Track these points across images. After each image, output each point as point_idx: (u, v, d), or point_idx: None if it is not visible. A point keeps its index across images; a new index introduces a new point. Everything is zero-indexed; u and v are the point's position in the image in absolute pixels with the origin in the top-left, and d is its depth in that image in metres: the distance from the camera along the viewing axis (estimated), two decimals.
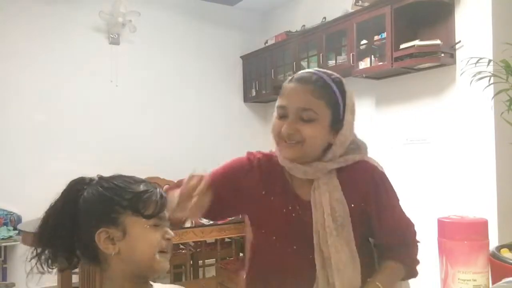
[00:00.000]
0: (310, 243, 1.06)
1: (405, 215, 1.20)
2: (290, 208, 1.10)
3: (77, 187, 0.93)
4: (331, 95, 1.05)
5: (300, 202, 1.10)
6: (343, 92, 1.07)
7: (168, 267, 0.90)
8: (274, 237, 1.11)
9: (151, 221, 0.86)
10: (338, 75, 1.11)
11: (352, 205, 1.07)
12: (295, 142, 1.04)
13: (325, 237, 1.04)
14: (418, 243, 1.19)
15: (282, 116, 1.06)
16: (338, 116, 1.06)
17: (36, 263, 0.95)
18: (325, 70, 1.12)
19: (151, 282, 0.93)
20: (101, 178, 0.92)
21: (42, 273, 0.95)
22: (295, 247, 1.09)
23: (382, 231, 1.13)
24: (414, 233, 1.19)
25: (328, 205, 1.05)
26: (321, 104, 1.04)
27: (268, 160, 1.16)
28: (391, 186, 1.17)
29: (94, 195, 0.88)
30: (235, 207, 1.20)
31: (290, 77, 1.11)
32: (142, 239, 0.85)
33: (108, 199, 0.86)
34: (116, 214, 0.85)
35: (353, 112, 1.10)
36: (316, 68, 1.13)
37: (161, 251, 0.87)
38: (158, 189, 0.91)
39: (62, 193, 0.95)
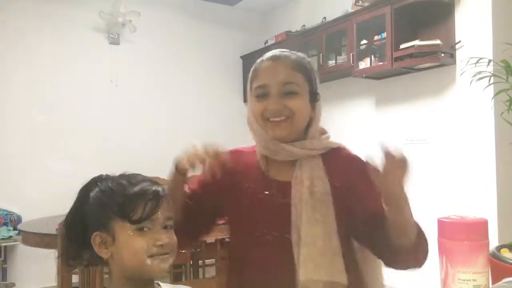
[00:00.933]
0: (289, 225, 1.01)
1: None
2: (266, 192, 1.05)
3: (88, 186, 0.93)
4: (306, 69, 1.07)
5: (278, 185, 1.05)
6: (312, 67, 1.10)
7: (166, 269, 0.85)
8: (253, 228, 1.05)
9: (135, 226, 0.82)
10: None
11: (337, 184, 1.02)
12: (284, 118, 1.02)
13: (301, 213, 0.99)
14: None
15: (262, 96, 1.04)
16: (313, 88, 1.08)
17: (62, 258, 0.93)
18: (299, 54, 1.14)
19: (159, 282, 0.91)
20: (106, 178, 0.92)
21: (72, 266, 0.94)
22: (274, 232, 1.02)
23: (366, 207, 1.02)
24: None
25: (308, 180, 1.01)
26: (300, 76, 1.05)
27: (239, 154, 1.14)
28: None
29: (94, 198, 0.89)
30: (221, 206, 1.14)
31: (259, 59, 1.10)
32: (127, 246, 0.82)
33: (102, 203, 0.86)
34: (107, 219, 0.84)
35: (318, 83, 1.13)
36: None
37: (154, 255, 0.82)
38: (155, 189, 0.87)
39: (78, 191, 0.96)
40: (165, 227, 0.86)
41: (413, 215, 0.96)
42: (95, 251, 0.85)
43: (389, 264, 1.05)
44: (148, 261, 0.82)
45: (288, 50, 1.11)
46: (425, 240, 1.01)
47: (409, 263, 1.01)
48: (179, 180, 1.09)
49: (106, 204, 0.85)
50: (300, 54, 1.11)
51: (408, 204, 0.93)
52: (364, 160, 1.01)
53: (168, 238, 0.85)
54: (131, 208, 0.82)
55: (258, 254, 1.03)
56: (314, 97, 1.07)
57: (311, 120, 1.07)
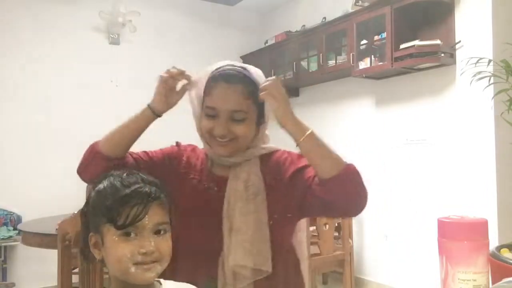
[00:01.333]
0: (222, 215, 1.08)
1: None
2: (205, 185, 1.14)
3: (95, 183, 0.90)
4: (255, 91, 1.07)
5: (218, 179, 1.13)
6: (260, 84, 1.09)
7: (151, 278, 0.81)
8: (189, 214, 1.08)
9: (120, 232, 0.79)
10: (250, 67, 1.16)
11: (271, 181, 1.10)
12: (229, 140, 1.09)
13: (235, 204, 1.06)
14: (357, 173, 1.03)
15: (211, 116, 1.10)
16: (263, 111, 1.13)
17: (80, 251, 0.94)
18: (243, 65, 1.17)
19: (162, 280, 0.89)
20: (110, 176, 0.87)
21: (88, 261, 0.94)
22: (208, 219, 1.08)
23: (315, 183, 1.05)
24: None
25: (244, 176, 1.10)
26: (249, 103, 1.08)
27: (193, 148, 1.29)
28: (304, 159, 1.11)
29: (91, 197, 0.87)
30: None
31: (213, 73, 1.15)
32: (111, 252, 0.80)
33: (94, 204, 0.85)
34: (98, 220, 0.82)
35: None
36: (233, 63, 1.18)
37: (138, 263, 0.79)
38: (145, 191, 0.82)
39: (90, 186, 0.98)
40: (157, 232, 0.82)
41: (325, 146, 1.03)
42: (91, 251, 0.85)
43: (337, 211, 1.12)
44: (132, 269, 0.78)
45: (243, 68, 1.13)
46: (353, 172, 1.02)
47: (347, 199, 1.01)
48: (150, 118, 1.26)
49: (97, 205, 0.83)
50: (255, 73, 1.13)
51: (300, 123, 1.02)
52: (294, 153, 1.13)
53: (155, 246, 0.79)
54: (117, 212, 0.79)
55: (190, 237, 1.08)
56: (261, 120, 1.14)
57: (255, 138, 1.14)
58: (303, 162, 1.09)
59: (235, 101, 1.07)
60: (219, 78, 1.11)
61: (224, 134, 1.08)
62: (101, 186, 0.86)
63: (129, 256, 0.78)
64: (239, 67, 1.14)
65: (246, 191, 1.07)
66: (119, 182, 0.84)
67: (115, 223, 0.79)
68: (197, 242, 1.09)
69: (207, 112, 1.12)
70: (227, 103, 1.07)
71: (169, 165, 1.21)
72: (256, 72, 1.14)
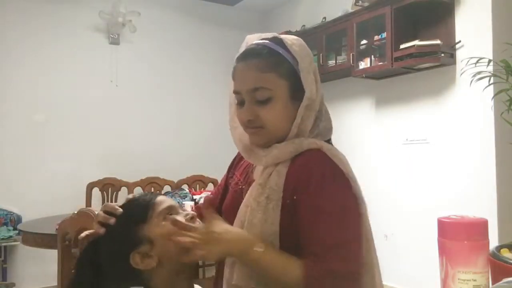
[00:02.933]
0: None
1: (339, 232, 0.85)
2: (240, 187, 1.02)
3: (85, 253, 0.99)
4: (281, 63, 0.92)
5: (251, 182, 0.99)
6: (296, 53, 0.92)
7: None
8: (225, 221, 0.98)
9: (162, 216, 0.91)
10: (287, 36, 0.95)
11: (286, 195, 0.90)
12: (257, 127, 0.93)
13: (246, 211, 0.92)
14: (345, 273, 0.82)
15: (240, 103, 0.95)
16: (297, 83, 0.92)
17: None
18: (274, 34, 0.96)
19: (196, 286, 0.97)
20: (88, 244, 0.98)
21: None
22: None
23: (302, 236, 0.87)
24: (342, 258, 0.83)
25: (263, 177, 0.93)
26: (272, 76, 0.91)
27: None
28: (334, 189, 0.87)
29: (104, 245, 0.96)
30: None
31: (238, 54, 0.98)
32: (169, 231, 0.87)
33: (117, 234, 0.93)
34: (133, 234, 0.90)
35: (312, 70, 0.94)
36: (265, 34, 0.98)
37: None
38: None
39: (77, 263, 1.01)
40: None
41: (281, 264, 0.84)
42: (141, 268, 0.87)
43: None
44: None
45: (267, 38, 0.96)
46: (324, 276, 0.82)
47: None
48: None
49: (124, 231, 0.89)
50: (280, 38, 0.95)
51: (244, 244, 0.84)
52: (324, 165, 0.88)
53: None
54: (145, 209, 0.89)
55: None
56: (298, 93, 0.92)
57: (295, 124, 0.93)
58: (325, 193, 0.85)
59: (252, 78, 0.91)
60: (238, 58, 0.96)
61: (249, 119, 0.92)
62: (106, 238, 0.92)
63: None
64: (263, 39, 0.96)
65: (259, 196, 0.90)
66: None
67: (152, 212, 0.90)
68: None
69: (237, 99, 0.96)
70: (245, 83, 0.92)
71: (230, 173, 1.12)
72: (288, 40, 0.93)
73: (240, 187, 1.02)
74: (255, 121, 0.93)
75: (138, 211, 0.90)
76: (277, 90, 0.91)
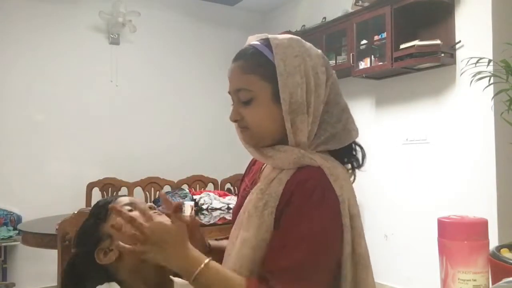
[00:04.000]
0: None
1: (300, 256, 0.81)
2: (247, 190, 1.00)
3: (69, 267, 1.04)
4: (265, 64, 0.89)
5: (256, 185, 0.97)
6: (278, 55, 0.89)
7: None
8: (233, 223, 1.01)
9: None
10: (277, 36, 0.92)
11: (280, 207, 0.88)
12: (243, 127, 0.93)
13: (243, 214, 0.91)
14: None
15: (232, 103, 0.96)
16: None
17: None
18: (267, 35, 0.93)
19: (173, 278, 0.99)
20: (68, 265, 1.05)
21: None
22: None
23: (268, 249, 0.86)
24: (290, 282, 0.81)
25: (265, 182, 0.91)
26: (253, 78, 0.89)
27: None
28: (317, 213, 0.84)
29: (77, 255, 1.03)
30: None
31: None
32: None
33: (84, 236, 1.00)
34: (96, 234, 0.96)
35: (301, 72, 0.88)
36: (263, 35, 0.95)
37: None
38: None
39: (65, 277, 1.07)
40: None
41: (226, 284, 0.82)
42: (104, 263, 0.92)
43: None
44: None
45: (260, 38, 0.94)
46: None
47: None
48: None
49: (89, 231, 0.96)
50: (271, 38, 0.91)
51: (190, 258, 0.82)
52: (309, 191, 0.85)
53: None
54: (105, 208, 0.96)
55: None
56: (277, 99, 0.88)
57: (288, 131, 0.89)
58: (304, 215, 0.83)
59: (235, 79, 0.92)
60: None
61: (234, 119, 0.93)
62: (74, 254, 1.00)
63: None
64: (261, 40, 0.94)
65: (258, 201, 0.88)
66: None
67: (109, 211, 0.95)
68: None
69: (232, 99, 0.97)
70: (231, 84, 0.93)
71: (243, 181, 1.11)
72: (277, 40, 0.90)
73: (248, 192, 1.00)
74: (241, 122, 0.93)
75: (100, 211, 0.97)
76: (258, 91, 0.90)
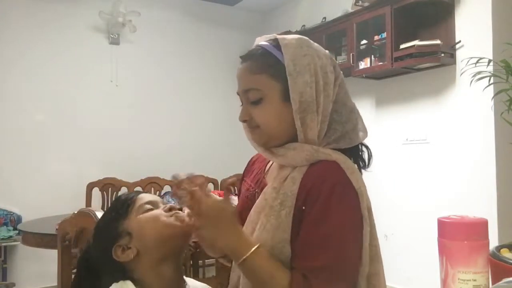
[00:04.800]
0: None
1: (333, 253, 0.82)
2: (251, 191, 1.01)
3: (82, 261, 1.05)
4: (274, 64, 0.90)
5: (263, 186, 0.97)
6: (287, 54, 0.90)
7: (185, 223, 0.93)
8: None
9: (142, 209, 0.97)
10: (286, 36, 0.93)
11: (299, 203, 0.87)
12: (253, 127, 0.94)
13: (258, 215, 0.90)
14: None
15: (241, 104, 0.97)
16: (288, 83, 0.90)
17: None
18: (276, 36, 0.95)
19: (185, 278, 1.00)
20: (84, 251, 1.06)
21: None
22: None
23: (298, 247, 0.86)
24: (329, 281, 0.81)
25: (278, 181, 0.91)
26: (262, 78, 0.90)
27: None
28: (341, 208, 0.85)
29: (92, 244, 1.03)
30: None
31: None
32: (146, 221, 0.94)
33: (102, 230, 1.00)
34: (115, 229, 0.95)
35: (310, 72, 0.89)
36: (271, 35, 0.97)
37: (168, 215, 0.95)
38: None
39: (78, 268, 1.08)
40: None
41: (269, 271, 0.83)
42: (122, 261, 0.91)
43: None
44: (166, 220, 0.92)
45: (269, 39, 0.95)
46: None
47: None
48: None
49: (108, 225, 0.95)
50: (277, 38, 0.93)
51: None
52: (337, 181, 0.86)
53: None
54: (127, 203, 0.95)
55: None
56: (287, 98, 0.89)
57: (298, 129, 0.90)
58: (330, 211, 0.83)
59: (244, 80, 0.93)
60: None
61: (244, 119, 0.94)
62: (89, 243, 1.00)
63: (160, 213, 0.96)
64: (270, 40, 0.95)
65: (273, 201, 0.88)
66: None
67: (132, 206, 0.95)
68: None
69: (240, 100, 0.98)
70: (240, 85, 0.94)
71: (243, 181, 1.12)
72: (286, 40, 0.92)
73: (252, 192, 1.01)
74: (251, 121, 0.94)
75: (120, 207, 0.95)
76: (267, 91, 0.90)
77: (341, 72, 0.96)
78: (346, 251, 0.84)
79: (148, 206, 0.95)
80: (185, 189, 0.83)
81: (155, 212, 0.94)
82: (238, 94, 0.96)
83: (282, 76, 0.89)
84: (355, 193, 0.87)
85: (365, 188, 0.90)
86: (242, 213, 0.98)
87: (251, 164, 1.13)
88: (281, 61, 0.90)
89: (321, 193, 0.85)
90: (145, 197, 0.99)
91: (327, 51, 0.97)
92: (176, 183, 0.85)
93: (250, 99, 0.92)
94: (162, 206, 0.97)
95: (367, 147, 1.00)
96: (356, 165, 0.96)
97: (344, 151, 0.92)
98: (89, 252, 0.98)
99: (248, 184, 1.06)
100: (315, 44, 0.96)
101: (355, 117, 0.95)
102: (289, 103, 0.89)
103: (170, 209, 0.95)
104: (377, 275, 0.90)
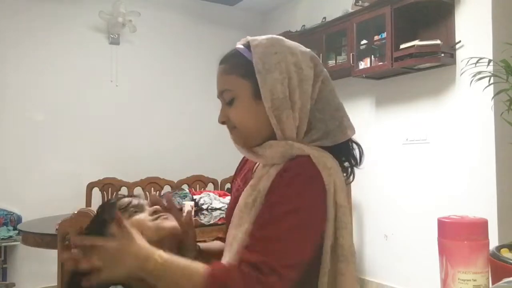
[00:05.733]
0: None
1: (277, 228, 0.81)
2: (240, 190, 1.00)
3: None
4: (244, 64, 0.91)
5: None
6: (256, 53, 0.91)
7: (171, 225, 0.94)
8: (227, 222, 1.02)
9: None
10: (257, 37, 0.95)
11: (268, 197, 0.88)
12: (232, 129, 0.96)
13: (236, 213, 0.91)
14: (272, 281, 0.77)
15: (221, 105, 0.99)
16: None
17: None
18: (248, 37, 0.98)
19: None
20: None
21: None
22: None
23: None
24: (264, 251, 0.79)
25: (255, 179, 0.91)
26: (233, 78, 0.92)
27: None
28: (304, 188, 0.84)
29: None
30: None
31: None
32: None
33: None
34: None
35: (280, 69, 0.89)
36: (245, 38, 0.99)
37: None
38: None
39: None
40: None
41: (185, 276, 0.79)
42: None
43: None
44: (151, 223, 0.92)
45: (237, 45, 0.97)
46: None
47: None
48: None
49: (96, 231, 0.94)
50: (250, 39, 0.95)
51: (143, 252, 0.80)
52: (292, 175, 0.85)
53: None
54: (114, 208, 0.95)
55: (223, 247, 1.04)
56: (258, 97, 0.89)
57: (273, 127, 0.90)
58: (290, 190, 0.83)
59: (219, 82, 0.95)
60: None
61: (222, 120, 0.97)
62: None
63: (145, 216, 0.97)
64: (241, 43, 0.98)
65: (248, 197, 0.89)
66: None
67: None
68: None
69: None
70: (217, 87, 0.96)
71: (235, 181, 1.14)
72: (256, 41, 0.94)
73: (240, 191, 1.01)
74: (228, 123, 0.95)
75: (107, 211, 0.95)
76: (238, 90, 0.92)
77: (325, 69, 0.96)
78: (292, 233, 0.81)
79: (133, 210, 0.95)
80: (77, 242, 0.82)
81: (141, 216, 0.94)
82: (217, 97, 0.98)
83: (252, 75, 0.90)
84: (320, 187, 0.85)
85: (340, 187, 0.88)
86: (231, 212, 0.98)
87: (243, 163, 1.14)
88: (251, 60, 0.91)
89: (282, 182, 0.85)
90: (132, 201, 1.00)
91: (308, 49, 0.96)
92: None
93: (225, 100, 0.94)
94: (147, 209, 0.97)
95: (358, 144, 0.98)
96: (343, 163, 0.95)
97: (331, 149, 0.91)
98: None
99: (238, 183, 1.07)
100: (290, 42, 0.96)
101: (340, 115, 0.94)
102: (261, 101, 0.89)
103: (155, 211, 0.95)
104: (342, 276, 0.87)
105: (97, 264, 0.76)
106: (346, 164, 0.96)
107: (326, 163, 0.87)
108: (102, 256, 0.77)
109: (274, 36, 0.96)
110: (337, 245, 0.88)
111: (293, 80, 0.89)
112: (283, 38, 0.96)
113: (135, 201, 0.98)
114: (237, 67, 0.92)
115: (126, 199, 0.97)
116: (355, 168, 0.97)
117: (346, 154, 0.96)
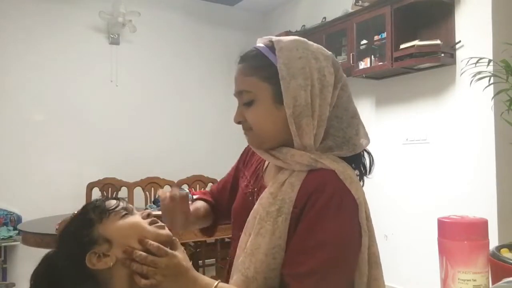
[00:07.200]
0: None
1: (322, 261, 0.81)
2: (250, 190, 0.99)
3: (41, 267, 0.93)
4: (266, 66, 0.89)
5: (262, 186, 0.96)
6: (280, 57, 0.88)
7: (169, 233, 0.91)
8: (232, 226, 1.03)
9: (120, 214, 0.92)
10: (282, 38, 0.92)
11: (296, 210, 0.86)
12: (247, 129, 0.94)
13: (255, 219, 0.89)
14: None
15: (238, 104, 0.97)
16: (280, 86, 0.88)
17: None
18: (271, 37, 0.94)
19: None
20: (41, 263, 0.94)
21: None
22: (239, 233, 0.95)
23: (287, 253, 0.85)
24: (312, 284, 0.80)
25: (275, 186, 0.89)
26: (253, 80, 0.89)
27: None
28: (338, 218, 0.83)
29: (61, 252, 0.92)
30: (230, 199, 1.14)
31: None
32: (126, 227, 0.88)
33: (74, 236, 0.90)
34: (89, 234, 0.87)
35: (304, 75, 0.87)
36: (269, 37, 0.96)
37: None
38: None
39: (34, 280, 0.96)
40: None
41: None
42: (97, 268, 0.83)
43: None
44: (150, 228, 0.87)
45: (265, 40, 0.95)
46: None
47: None
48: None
49: (79, 231, 0.86)
50: (274, 40, 0.91)
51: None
52: (328, 195, 0.83)
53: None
54: (101, 208, 0.88)
55: (231, 240, 1.04)
56: (279, 101, 0.87)
57: (293, 133, 0.88)
58: (325, 221, 0.82)
59: (238, 82, 0.93)
60: None
61: (238, 120, 0.94)
62: (58, 251, 0.89)
63: (141, 219, 0.91)
64: (261, 42, 0.95)
65: (270, 206, 0.87)
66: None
67: (110, 211, 0.87)
68: (232, 247, 1.00)
69: None
70: (235, 87, 0.94)
71: (240, 169, 1.13)
72: (281, 43, 0.90)
73: (250, 190, 1.00)
74: (244, 123, 0.94)
75: (93, 212, 0.89)
76: (258, 93, 0.89)
77: (344, 75, 0.94)
78: (335, 261, 0.82)
79: (123, 212, 0.90)
80: (139, 256, 0.81)
81: (136, 219, 0.89)
82: (234, 95, 0.96)
83: (274, 78, 0.87)
84: (354, 203, 0.85)
85: (364, 198, 0.89)
86: (241, 212, 0.96)
87: (250, 154, 1.12)
88: (274, 63, 0.88)
89: (319, 201, 0.83)
90: (119, 203, 0.94)
91: (330, 53, 0.94)
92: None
93: (243, 101, 0.92)
94: (135, 212, 0.92)
95: (369, 153, 0.98)
96: (357, 171, 0.94)
97: (346, 158, 0.91)
98: (52, 261, 0.89)
99: (247, 179, 1.05)
100: (315, 45, 0.93)
101: (356, 123, 0.93)
102: (282, 106, 0.87)
103: (148, 215, 0.91)
104: (376, 281, 0.89)
105: (157, 280, 0.79)
106: (356, 172, 0.95)
107: (352, 176, 0.87)
108: (167, 271, 0.80)
109: (298, 38, 0.93)
110: (370, 253, 0.89)
111: (315, 87, 0.87)
112: (307, 41, 0.93)
113: (122, 204, 0.92)
114: (259, 69, 0.89)
115: (113, 201, 0.92)
116: (364, 177, 0.97)
117: (358, 163, 0.95)
